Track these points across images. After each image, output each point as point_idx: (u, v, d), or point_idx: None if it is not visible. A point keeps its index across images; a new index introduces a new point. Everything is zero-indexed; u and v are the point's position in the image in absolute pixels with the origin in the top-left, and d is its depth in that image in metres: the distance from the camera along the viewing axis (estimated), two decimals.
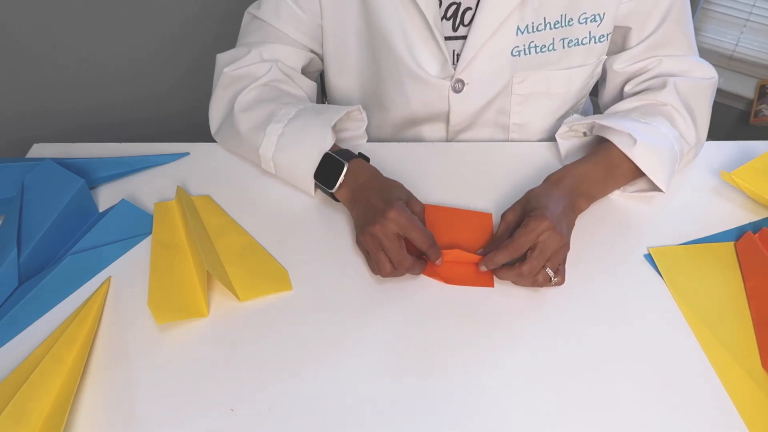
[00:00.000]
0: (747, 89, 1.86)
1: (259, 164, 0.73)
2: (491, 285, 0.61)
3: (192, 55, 1.38)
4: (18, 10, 1.16)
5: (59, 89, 1.30)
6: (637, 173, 0.69)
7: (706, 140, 0.77)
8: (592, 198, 0.68)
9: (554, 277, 0.59)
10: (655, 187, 0.68)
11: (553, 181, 0.66)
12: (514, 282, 0.61)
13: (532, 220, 0.59)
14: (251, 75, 0.76)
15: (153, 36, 1.34)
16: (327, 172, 0.67)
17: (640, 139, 0.66)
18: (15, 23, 1.17)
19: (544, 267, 0.59)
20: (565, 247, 0.60)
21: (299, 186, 0.71)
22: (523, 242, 0.59)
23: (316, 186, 0.70)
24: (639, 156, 0.66)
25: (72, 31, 1.24)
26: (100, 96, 1.35)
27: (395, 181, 0.66)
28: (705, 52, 1.92)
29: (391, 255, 0.59)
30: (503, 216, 0.64)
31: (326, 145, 0.68)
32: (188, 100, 1.43)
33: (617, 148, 0.67)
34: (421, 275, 0.62)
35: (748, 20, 1.82)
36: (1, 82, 1.23)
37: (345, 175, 0.66)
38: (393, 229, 0.59)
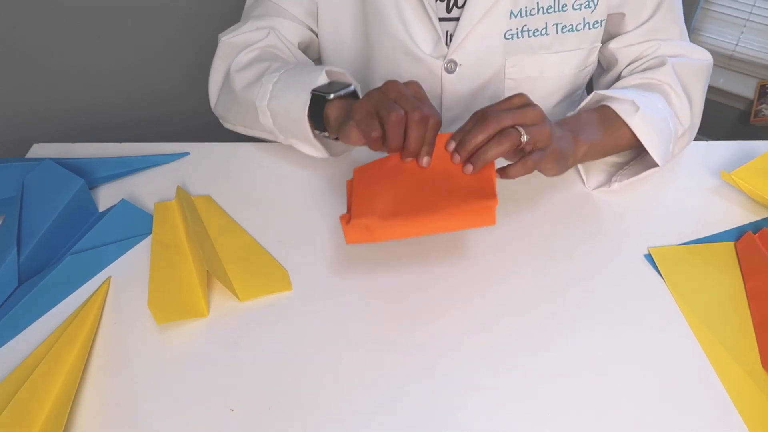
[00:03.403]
0: (747, 89, 1.87)
1: (257, 120, 0.72)
2: (492, 222, 0.55)
3: (192, 55, 1.38)
4: (18, 10, 1.16)
5: (59, 89, 1.30)
6: (630, 140, 0.68)
7: (706, 140, 0.78)
8: (587, 141, 0.65)
9: (524, 135, 0.56)
10: (650, 165, 0.68)
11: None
12: (480, 138, 0.56)
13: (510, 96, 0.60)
14: (248, 41, 0.77)
15: (153, 36, 1.34)
16: (332, 87, 0.67)
17: (643, 108, 0.66)
18: (15, 23, 1.17)
19: (514, 127, 0.56)
20: (544, 125, 0.58)
21: (296, 129, 0.69)
22: (494, 108, 0.57)
23: (312, 126, 0.68)
24: (638, 125, 0.66)
25: (72, 31, 1.24)
26: (100, 96, 1.35)
27: None
28: None
29: (393, 95, 0.57)
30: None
31: (318, 82, 0.67)
32: (188, 100, 1.43)
33: (613, 110, 0.67)
34: (419, 243, 0.58)
35: (748, 20, 1.83)
36: (1, 82, 1.23)
37: (350, 95, 0.67)
38: (387, 94, 0.58)
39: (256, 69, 0.73)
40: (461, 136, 0.57)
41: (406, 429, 0.50)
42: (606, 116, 0.68)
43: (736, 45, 1.87)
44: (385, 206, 0.56)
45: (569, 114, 0.70)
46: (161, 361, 0.55)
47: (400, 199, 0.57)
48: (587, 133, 0.66)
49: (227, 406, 0.51)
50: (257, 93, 0.70)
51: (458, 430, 0.50)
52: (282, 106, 0.69)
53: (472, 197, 0.55)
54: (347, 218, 0.58)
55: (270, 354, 0.55)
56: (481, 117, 0.58)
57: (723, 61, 1.92)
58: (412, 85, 0.60)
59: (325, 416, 0.51)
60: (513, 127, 0.56)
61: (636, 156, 0.73)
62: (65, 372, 0.53)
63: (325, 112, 0.66)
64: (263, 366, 0.54)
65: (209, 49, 0.80)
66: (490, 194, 0.55)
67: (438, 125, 0.58)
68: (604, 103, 0.69)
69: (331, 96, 0.65)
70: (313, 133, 0.69)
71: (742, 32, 1.85)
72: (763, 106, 1.79)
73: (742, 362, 0.54)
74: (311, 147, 0.71)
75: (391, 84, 0.59)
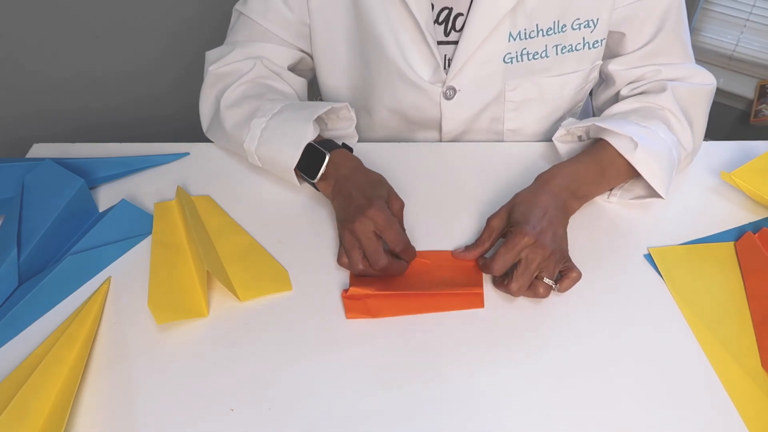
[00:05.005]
0: (747, 89, 1.87)
1: (246, 159, 0.73)
2: (481, 306, 0.60)
3: (191, 54, 1.38)
4: (17, 10, 1.16)
5: (59, 89, 1.30)
6: (631, 174, 0.68)
7: (706, 140, 0.77)
8: (584, 198, 0.66)
9: (555, 285, 0.58)
10: (653, 194, 0.67)
11: (543, 181, 0.64)
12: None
13: (513, 236, 0.58)
14: (236, 72, 0.75)
15: (152, 36, 1.34)
16: (310, 162, 0.67)
17: (642, 143, 0.65)
18: (14, 24, 1.17)
19: (539, 278, 0.58)
20: (554, 254, 0.58)
21: (284, 178, 0.70)
22: (503, 260, 0.58)
23: (300, 178, 0.70)
24: (640, 161, 0.65)
25: (72, 31, 1.24)
26: (100, 96, 1.35)
27: (377, 174, 0.66)
28: (705, 52, 1.92)
29: (368, 253, 0.59)
30: (488, 221, 0.63)
31: (307, 137, 0.67)
32: (188, 100, 1.42)
33: (612, 147, 0.66)
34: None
35: (748, 20, 1.83)
36: (1, 82, 1.23)
37: (327, 166, 0.66)
38: (370, 228, 0.60)
39: (245, 108, 0.72)
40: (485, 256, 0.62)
41: (405, 428, 0.50)
42: (604, 154, 0.67)
43: (736, 45, 1.87)
44: (382, 285, 0.60)
45: (567, 157, 0.70)
46: (161, 361, 0.55)
47: (396, 281, 0.62)
48: (579, 189, 0.65)
49: (227, 406, 0.51)
50: (246, 136, 0.70)
51: (458, 429, 0.50)
52: (270, 156, 0.69)
53: (462, 285, 0.61)
54: (347, 294, 0.60)
55: (270, 354, 0.55)
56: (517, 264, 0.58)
57: (723, 61, 1.92)
58: (395, 203, 0.64)
59: (324, 416, 0.51)
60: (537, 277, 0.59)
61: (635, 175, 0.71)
62: (65, 372, 0.53)
63: (318, 185, 0.68)
64: (263, 366, 0.54)
65: (209, 49, 0.79)
66: (478, 283, 0.61)
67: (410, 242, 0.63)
68: (603, 137, 0.68)
69: (327, 157, 0.66)
70: (300, 181, 0.70)
71: (742, 32, 1.85)
72: (763, 106, 1.79)
73: (742, 362, 0.54)
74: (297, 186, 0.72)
75: (374, 213, 0.60)
